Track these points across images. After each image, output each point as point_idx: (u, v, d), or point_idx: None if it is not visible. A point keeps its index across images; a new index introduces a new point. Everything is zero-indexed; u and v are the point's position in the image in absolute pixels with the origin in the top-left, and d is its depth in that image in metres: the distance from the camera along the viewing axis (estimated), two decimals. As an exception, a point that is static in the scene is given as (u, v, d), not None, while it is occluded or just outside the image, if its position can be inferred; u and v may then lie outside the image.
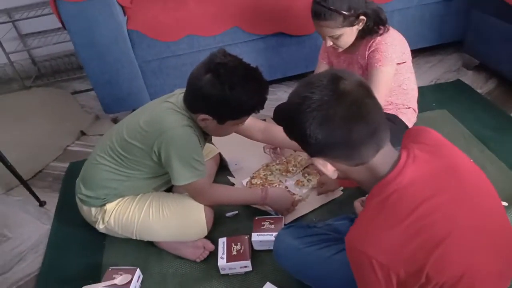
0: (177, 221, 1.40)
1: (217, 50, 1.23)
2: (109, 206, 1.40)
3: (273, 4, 2.10)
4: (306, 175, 1.68)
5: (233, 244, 1.39)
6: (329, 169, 0.84)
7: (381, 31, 1.50)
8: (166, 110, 1.28)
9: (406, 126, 1.68)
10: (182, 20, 2.06)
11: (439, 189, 0.79)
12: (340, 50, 1.56)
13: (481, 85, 2.21)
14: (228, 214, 1.58)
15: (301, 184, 1.65)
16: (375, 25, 1.49)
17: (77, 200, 1.47)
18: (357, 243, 0.78)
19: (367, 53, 1.54)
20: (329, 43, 1.52)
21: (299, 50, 2.26)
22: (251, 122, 1.51)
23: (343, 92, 0.77)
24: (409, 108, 1.71)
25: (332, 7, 1.40)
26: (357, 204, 1.28)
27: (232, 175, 1.76)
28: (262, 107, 1.26)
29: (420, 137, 0.90)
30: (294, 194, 1.60)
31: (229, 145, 1.79)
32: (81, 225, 1.57)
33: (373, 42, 1.51)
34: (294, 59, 2.29)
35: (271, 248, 1.38)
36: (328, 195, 1.60)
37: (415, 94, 1.72)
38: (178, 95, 1.33)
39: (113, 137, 1.37)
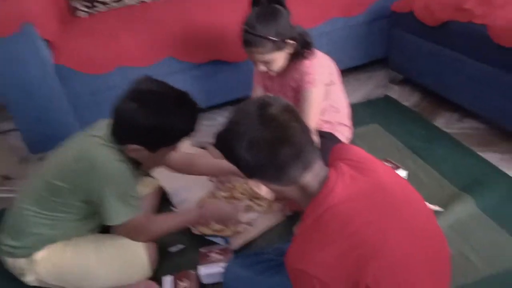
0: (117, 262, 1.31)
1: (141, 77, 1.19)
2: (39, 255, 1.28)
3: (206, 33, 2.11)
4: (254, 199, 1.64)
5: (179, 282, 1.32)
6: (263, 189, 0.89)
7: (307, 55, 1.56)
8: (95, 145, 1.20)
9: (342, 142, 1.74)
10: (113, 51, 2.00)
11: (369, 206, 0.83)
12: (273, 74, 1.60)
13: (407, 98, 2.36)
14: (171, 249, 1.51)
15: (248, 209, 1.62)
16: (302, 48, 1.54)
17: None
18: (297, 263, 0.79)
19: (296, 76, 1.59)
20: (262, 68, 1.55)
21: (235, 76, 2.28)
22: (176, 156, 1.48)
23: (269, 117, 0.83)
24: (343, 125, 1.78)
25: (260, 34, 1.44)
26: (296, 228, 1.29)
27: (175, 207, 1.70)
28: (193, 133, 1.22)
29: (345, 153, 0.94)
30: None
31: (170, 176, 1.73)
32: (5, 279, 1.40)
33: (301, 66, 1.57)
34: (231, 85, 2.30)
35: (222, 280, 1.34)
36: (276, 217, 1.59)
37: (346, 111, 1.81)
38: (104, 127, 1.24)
39: (37, 179, 1.28)
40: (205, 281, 1.36)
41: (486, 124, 2.04)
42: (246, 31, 1.48)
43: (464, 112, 2.12)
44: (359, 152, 0.96)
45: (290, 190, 0.88)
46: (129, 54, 2.03)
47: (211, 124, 2.29)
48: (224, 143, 0.87)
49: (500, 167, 1.73)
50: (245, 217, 1.53)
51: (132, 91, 1.15)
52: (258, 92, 1.82)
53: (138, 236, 1.31)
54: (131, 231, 1.29)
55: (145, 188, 1.64)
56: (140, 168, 1.32)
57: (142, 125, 1.13)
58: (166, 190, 1.74)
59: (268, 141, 0.81)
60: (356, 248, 0.77)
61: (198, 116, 1.21)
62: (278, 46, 1.49)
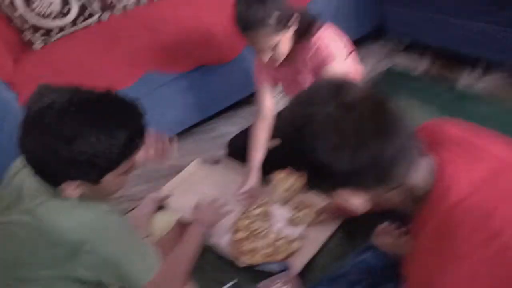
0: None
1: (33, 93, 0.85)
2: None
3: (186, 38, 1.85)
4: (299, 208, 1.40)
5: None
6: (356, 202, 0.67)
7: (314, 30, 1.34)
8: (58, 214, 0.86)
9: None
10: (81, 79, 1.65)
11: (499, 194, 0.63)
12: (278, 63, 1.37)
13: (416, 64, 2.17)
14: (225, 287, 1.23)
15: (296, 222, 1.36)
16: (308, 24, 1.34)
17: None
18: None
19: (309, 56, 1.36)
20: (267, 56, 1.33)
21: (227, 79, 2.02)
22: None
23: (353, 103, 0.61)
24: None
25: (259, 15, 1.22)
26: (378, 239, 1.05)
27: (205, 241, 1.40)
28: (141, 137, 0.87)
29: (442, 135, 0.74)
30: (288, 236, 1.31)
31: (188, 205, 1.43)
32: None
33: (312, 44, 1.35)
34: (225, 89, 2.05)
35: None
36: (328, 226, 1.34)
37: None
38: (32, 181, 0.88)
39: None
40: (277, 321, 1.09)
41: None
42: (241, 15, 1.25)
43: (486, 64, 1.93)
44: (460, 131, 0.75)
45: (391, 195, 0.67)
46: (100, 79, 1.72)
47: (214, 136, 2.02)
48: (295, 149, 0.64)
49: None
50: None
51: (26, 118, 0.81)
52: (267, 93, 1.57)
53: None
54: (158, 285, 0.98)
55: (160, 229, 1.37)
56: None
57: (52, 161, 0.79)
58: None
59: (363, 136, 0.60)
60: (503, 252, 0.58)
61: (136, 117, 0.86)
62: (282, 24, 1.27)
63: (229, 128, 2.06)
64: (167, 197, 1.51)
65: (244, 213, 1.45)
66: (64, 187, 0.84)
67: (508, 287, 0.57)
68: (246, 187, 1.48)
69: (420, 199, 0.66)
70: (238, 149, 1.67)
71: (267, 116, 1.57)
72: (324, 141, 0.60)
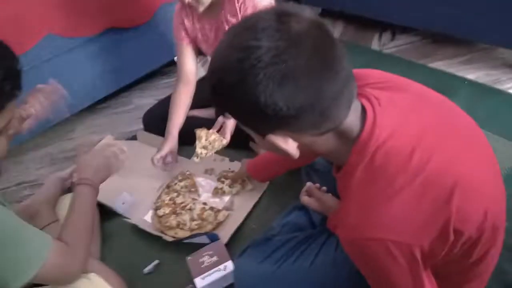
0: None
1: None
2: None
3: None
4: (222, 179, 1.36)
5: (177, 306, 0.99)
6: (290, 146, 0.61)
7: None
8: None
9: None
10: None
11: (421, 127, 0.63)
12: (201, 9, 1.25)
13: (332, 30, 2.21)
14: (146, 270, 1.16)
15: (221, 192, 1.32)
16: None
17: None
18: (360, 232, 0.60)
19: (237, 5, 1.27)
20: None
21: (140, 44, 1.88)
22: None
23: (299, 34, 0.54)
24: None
25: None
26: (305, 198, 1.04)
27: (126, 217, 1.30)
28: (15, 82, 0.77)
29: (366, 78, 0.71)
30: (214, 208, 1.27)
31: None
32: None
33: None
34: (139, 57, 1.90)
35: (224, 285, 1.08)
36: (254, 192, 1.32)
37: None
38: None
39: None
40: (207, 294, 1.05)
41: (417, 36, 1.99)
42: None
43: (395, 29, 2.04)
44: (381, 73, 0.74)
45: (324, 140, 0.62)
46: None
47: (128, 109, 1.88)
48: (230, 84, 0.56)
49: (454, 73, 1.68)
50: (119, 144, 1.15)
51: None
52: (188, 52, 1.46)
53: (72, 263, 0.88)
54: (58, 269, 0.85)
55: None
56: None
57: None
58: (103, 203, 1.32)
59: (307, 70, 0.53)
60: (429, 187, 0.58)
61: (11, 58, 0.77)
62: None
63: (144, 100, 1.93)
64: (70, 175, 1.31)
65: (169, 186, 1.38)
66: None
67: (436, 219, 0.58)
68: (162, 152, 1.37)
69: (350, 143, 0.63)
70: (155, 122, 1.56)
71: (189, 80, 1.46)
72: (266, 78, 0.53)
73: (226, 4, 1.29)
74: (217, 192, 1.33)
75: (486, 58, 1.77)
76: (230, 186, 1.33)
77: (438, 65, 1.76)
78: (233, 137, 1.34)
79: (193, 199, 1.33)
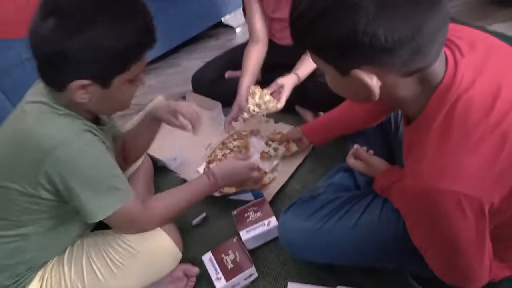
0: (137, 262, 0.98)
1: None
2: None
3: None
4: (270, 143, 1.38)
5: (223, 255, 1.06)
6: (374, 83, 0.58)
7: None
8: (37, 118, 0.82)
9: None
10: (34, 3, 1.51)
11: (499, 77, 0.61)
12: None
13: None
14: (194, 222, 1.24)
15: (268, 156, 1.35)
16: None
17: None
18: (434, 182, 0.57)
19: None
20: None
21: (188, 7, 1.90)
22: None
23: None
24: None
25: None
26: (351, 161, 1.05)
27: (177, 173, 1.38)
28: (151, 42, 0.82)
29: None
30: (263, 171, 1.30)
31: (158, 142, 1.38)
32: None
33: None
34: (186, 19, 1.92)
35: (267, 239, 1.14)
36: (298, 155, 1.35)
37: None
38: (36, 87, 0.87)
39: None
40: (251, 246, 1.12)
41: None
42: None
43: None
44: (455, 24, 0.70)
45: (406, 84, 0.60)
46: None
47: (176, 71, 1.93)
48: (327, 9, 0.53)
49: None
50: (262, 172, 1.23)
51: (42, 6, 0.76)
52: (255, 10, 1.43)
53: (137, 228, 0.98)
54: (126, 223, 0.95)
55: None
56: (101, 124, 0.95)
57: (71, 49, 0.75)
58: (155, 158, 1.41)
59: (414, 1, 0.51)
60: (508, 140, 0.57)
61: (146, 16, 0.80)
62: None
63: (192, 62, 1.97)
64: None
65: (223, 143, 1.43)
66: (73, 88, 0.79)
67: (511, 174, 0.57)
68: (232, 114, 1.40)
69: (429, 92, 0.60)
70: (204, 84, 1.60)
71: (259, 39, 1.45)
72: (369, 2, 0.50)
73: None
74: (264, 156, 1.35)
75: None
76: (274, 149, 1.35)
77: (498, 27, 1.65)
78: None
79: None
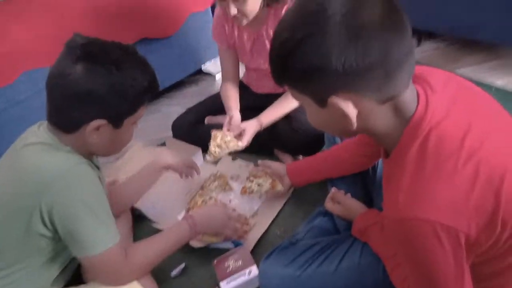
0: None
1: (71, 37, 0.88)
2: None
3: (128, 8, 1.74)
4: (251, 178, 1.37)
5: (203, 309, 1.02)
6: (351, 111, 0.60)
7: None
8: (36, 154, 0.87)
9: None
10: (9, 54, 1.53)
11: (469, 114, 0.64)
12: (244, 22, 1.30)
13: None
14: (173, 273, 1.19)
15: (250, 191, 1.33)
16: None
17: None
18: (411, 212, 0.59)
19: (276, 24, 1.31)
20: (233, 10, 1.24)
21: (169, 54, 1.94)
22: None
23: None
24: None
25: None
26: (329, 204, 1.05)
27: (154, 222, 1.35)
28: (157, 87, 0.96)
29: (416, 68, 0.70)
30: (243, 217, 1.29)
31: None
32: None
33: (281, 14, 1.31)
34: (167, 66, 1.96)
35: None
36: (279, 199, 1.34)
37: None
38: (35, 130, 0.92)
39: None
40: (232, 297, 1.08)
41: (446, 41, 1.97)
42: None
43: (421, 34, 2.02)
44: (427, 66, 0.74)
45: (382, 112, 0.62)
46: (32, 52, 1.57)
47: (156, 117, 1.94)
48: (301, 38, 0.56)
49: (481, 80, 1.66)
50: (241, 220, 1.24)
51: (70, 52, 0.85)
52: (227, 55, 1.51)
53: (117, 277, 0.94)
54: (107, 268, 0.92)
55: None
56: (92, 161, 0.98)
57: (97, 88, 0.84)
58: (135, 207, 1.37)
59: (380, 26, 0.55)
60: (480, 172, 0.58)
61: (153, 70, 0.93)
62: None
63: (172, 108, 1.98)
64: (113, 182, 1.39)
65: (202, 188, 1.42)
66: (89, 128, 0.87)
67: (486, 206, 0.58)
68: (235, 118, 1.40)
69: (403, 123, 0.63)
70: (184, 129, 1.61)
71: (233, 79, 1.53)
72: (342, 31, 0.53)
73: (270, 19, 1.34)
74: (245, 191, 1.33)
75: (514, 63, 1.75)
76: (259, 185, 1.33)
77: (466, 71, 1.74)
78: (258, 143, 1.37)
79: (228, 200, 1.36)
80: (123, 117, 0.91)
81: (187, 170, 1.30)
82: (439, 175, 0.58)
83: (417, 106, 0.62)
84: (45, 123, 0.93)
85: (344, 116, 0.60)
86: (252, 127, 1.36)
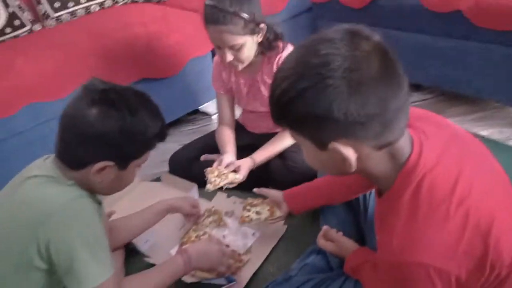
0: None
1: (89, 80, 0.92)
2: None
3: (131, 49, 1.82)
4: (248, 207, 1.35)
5: None
6: (351, 155, 0.64)
7: (281, 45, 1.39)
8: (37, 187, 0.89)
9: None
10: (13, 87, 1.58)
11: (460, 160, 0.68)
12: (240, 67, 1.39)
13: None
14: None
15: (248, 220, 1.31)
16: (275, 38, 1.38)
17: None
18: (404, 255, 0.62)
19: (270, 70, 1.40)
20: (229, 57, 1.33)
21: (170, 93, 2.00)
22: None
23: (370, 49, 0.60)
24: None
25: (231, 10, 1.24)
26: (321, 242, 1.08)
27: (147, 256, 1.35)
28: (166, 135, 1.01)
29: (411, 113, 0.74)
30: (236, 251, 1.30)
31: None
32: None
33: (276, 58, 1.40)
34: (168, 104, 1.93)
35: None
36: (272, 236, 1.36)
37: None
38: (41, 163, 0.95)
39: None
40: (224, 336, 1.07)
41: (432, 93, 2.07)
42: (213, 6, 1.26)
43: (413, 84, 2.13)
44: (421, 109, 0.81)
45: (378, 157, 0.66)
46: (35, 86, 1.62)
47: (153, 154, 1.95)
48: (303, 88, 0.60)
49: (468, 128, 1.74)
50: (235, 257, 1.26)
51: (87, 95, 0.89)
52: (224, 101, 1.60)
53: None
54: None
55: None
56: (94, 196, 1.00)
57: (111, 131, 0.88)
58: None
59: (378, 80, 0.59)
60: (470, 219, 0.63)
61: (164, 119, 0.99)
62: (251, 28, 1.30)
63: (168, 145, 2.01)
64: (109, 214, 1.40)
65: (197, 223, 1.42)
66: (95, 168, 0.89)
67: (475, 250, 0.61)
68: (226, 160, 1.42)
69: (397, 167, 0.67)
70: (180, 165, 1.65)
71: (229, 123, 1.59)
72: (343, 84, 0.57)
73: (265, 66, 1.43)
74: (244, 221, 1.31)
75: (498, 115, 1.84)
76: (257, 213, 1.31)
77: (454, 121, 1.81)
78: (253, 180, 1.40)
79: (223, 236, 1.36)
80: (130, 160, 0.94)
81: (192, 210, 1.34)
82: (432, 221, 0.62)
83: (411, 152, 0.67)
84: (51, 157, 0.95)
85: (344, 160, 0.64)
86: (246, 163, 1.41)
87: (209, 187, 1.36)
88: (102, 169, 0.91)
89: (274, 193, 1.29)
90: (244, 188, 1.45)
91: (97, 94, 0.88)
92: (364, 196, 1.13)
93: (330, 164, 0.68)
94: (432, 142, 0.68)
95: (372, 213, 1.11)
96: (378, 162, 0.67)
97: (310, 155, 0.70)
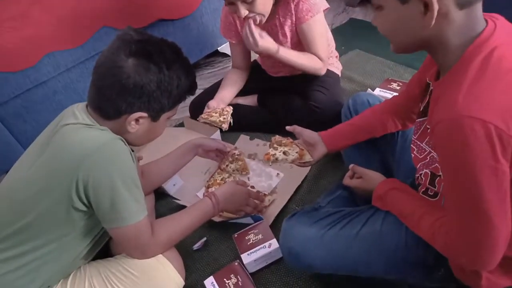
0: None
1: (124, 30, 0.91)
2: None
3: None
4: (276, 145, 1.22)
5: (225, 279, 1.06)
6: (434, 4, 0.64)
7: None
8: (75, 131, 0.90)
9: (338, 76, 1.56)
10: (32, 37, 1.57)
11: None
12: (259, 20, 1.30)
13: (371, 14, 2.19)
14: (195, 247, 1.24)
15: (274, 159, 1.18)
16: None
17: None
18: (468, 110, 0.62)
19: (286, 14, 1.34)
20: (244, 12, 1.26)
21: (186, 36, 1.96)
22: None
23: None
24: (335, 57, 1.61)
25: None
26: (348, 180, 1.06)
27: (176, 199, 1.39)
28: (196, 89, 1.02)
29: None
30: (260, 192, 1.32)
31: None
32: None
33: (290, 1, 1.32)
34: (185, 47, 1.90)
35: (269, 261, 1.15)
36: (296, 176, 1.37)
37: (332, 42, 1.60)
38: (73, 112, 0.94)
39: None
40: (253, 269, 1.12)
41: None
42: None
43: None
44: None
45: (455, 20, 0.67)
46: (53, 35, 1.60)
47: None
48: None
49: None
50: (261, 198, 1.26)
51: (124, 45, 0.89)
52: (238, 48, 1.55)
53: (143, 250, 0.98)
54: (134, 241, 0.95)
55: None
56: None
57: (147, 83, 0.89)
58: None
59: None
60: None
61: (195, 73, 1.00)
62: None
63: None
64: (138, 158, 1.42)
65: (220, 168, 1.44)
66: (130, 118, 0.92)
67: None
68: (210, 105, 1.50)
69: (470, 39, 0.67)
70: (201, 110, 1.64)
71: (240, 66, 1.59)
72: None
73: (281, 10, 1.35)
74: (269, 158, 1.18)
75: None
76: (284, 153, 1.19)
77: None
78: (276, 121, 1.38)
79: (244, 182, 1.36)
80: (162, 112, 0.96)
81: (218, 145, 1.37)
82: (498, 84, 0.63)
83: (485, 27, 0.68)
84: (80, 105, 0.96)
85: (424, 14, 0.65)
86: (271, 43, 1.34)
87: (225, 126, 1.40)
88: (137, 119, 0.93)
89: (309, 134, 1.19)
90: (265, 130, 1.44)
91: (134, 45, 0.88)
92: (392, 135, 1.10)
93: (404, 24, 0.69)
94: (504, 27, 0.69)
95: (400, 151, 1.09)
96: (455, 26, 0.67)
97: (385, 14, 0.71)
